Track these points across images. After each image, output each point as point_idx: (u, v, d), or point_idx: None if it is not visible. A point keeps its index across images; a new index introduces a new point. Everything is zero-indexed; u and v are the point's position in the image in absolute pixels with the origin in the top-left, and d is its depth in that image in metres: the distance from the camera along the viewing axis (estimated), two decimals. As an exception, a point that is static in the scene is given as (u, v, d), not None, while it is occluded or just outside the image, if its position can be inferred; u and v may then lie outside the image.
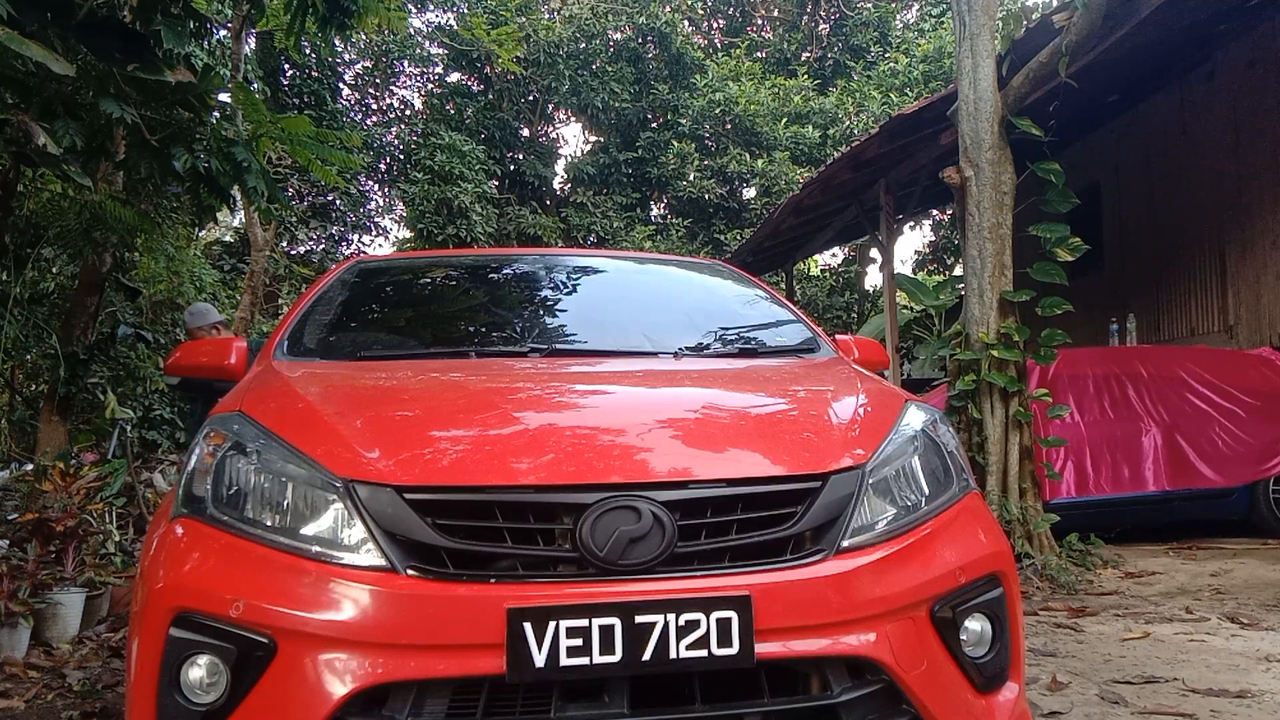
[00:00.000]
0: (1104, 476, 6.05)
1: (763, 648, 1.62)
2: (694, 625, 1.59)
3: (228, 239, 16.19)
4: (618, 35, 19.26)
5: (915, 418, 2.11)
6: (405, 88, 19.73)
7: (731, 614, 1.61)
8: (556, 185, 20.19)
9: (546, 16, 18.80)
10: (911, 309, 14.65)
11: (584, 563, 1.63)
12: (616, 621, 1.58)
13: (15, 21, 3.26)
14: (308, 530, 1.71)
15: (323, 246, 17.31)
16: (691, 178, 18.06)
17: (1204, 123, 8.38)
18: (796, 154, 17.64)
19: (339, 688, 1.57)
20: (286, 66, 15.26)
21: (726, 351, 2.77)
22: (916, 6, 21.18)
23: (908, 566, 1.79)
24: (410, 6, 17.03)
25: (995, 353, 5.58)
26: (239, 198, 5.19)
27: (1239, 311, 7.87)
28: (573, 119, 20.69)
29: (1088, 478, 6.04)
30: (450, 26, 18.03)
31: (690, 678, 1.64)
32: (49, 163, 3.71)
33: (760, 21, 22.27)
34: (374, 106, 19.22)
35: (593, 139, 20.60)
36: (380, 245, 19.52)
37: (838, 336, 3.00)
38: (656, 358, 2.60)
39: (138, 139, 4.23)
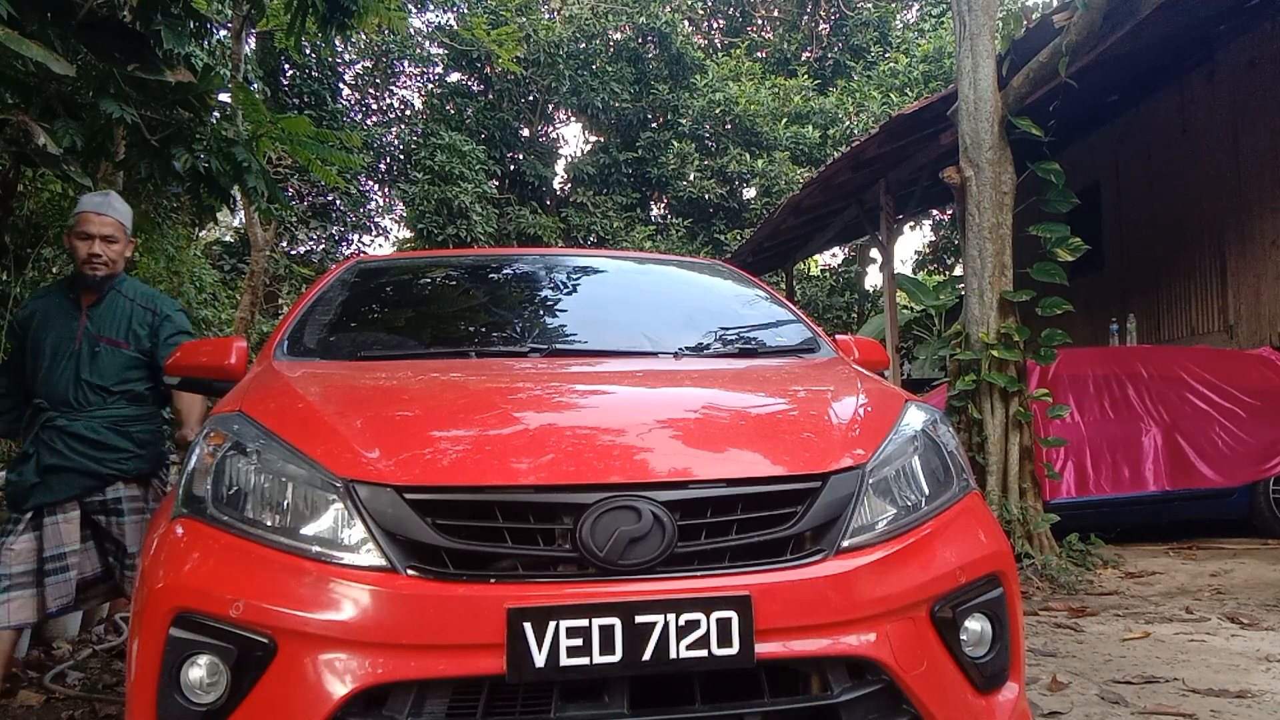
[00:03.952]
0: (1104, 476, 6.05)
1: (763, 648, 1.62)
2: (694, 625, 1.59)
3: (228, 239, 16.19)
4: (618, 35, 19.26)
5: (915, 418, 2.10)
6: (405, 88, 19.75)
7: (731, 614, 1.61)
8: (556, 185, 20.18)
9: (546, 16, 18.79)
10: (911, 309, 14.65)
11: (584, 563, 1.63)
12: (616, 621, 1.57)
13: (15, 21, 3.26)
14: (308, 530, 1.71)
15: (323, 246, 17.31)
16: (691, 178, 18.06)
17: (1204, 122, 8.38)
18: (796, 154, 17.64)
19: (339, 688, 1.57)
20: (286, 66, 15.26)
21: (726, 351, 2.77)
22: (916, 6, 21.18)
23: (908, 566, 1.79)
24: (410, 6, 17.01)
25: (995, 353, 5.58)
26: (239, 198, 5.18)
27: (1239, 311, 7.87)
28: (573, 119, 20.69)
29: (1088, 478, 6.03)
30: (450, 26, 18.03)
31: (690, 678, 1.64)
32: (49, 163, 3.71)
33: (760, 21, 22.27)
34: (374, 106, 19.21)
35: (593, 139, 20.60)
36: (380, 245, 19.54)
37: (838, 336, 2.99)
38: (656, 358, 2.60)
39: (138, 139, 4.22)
